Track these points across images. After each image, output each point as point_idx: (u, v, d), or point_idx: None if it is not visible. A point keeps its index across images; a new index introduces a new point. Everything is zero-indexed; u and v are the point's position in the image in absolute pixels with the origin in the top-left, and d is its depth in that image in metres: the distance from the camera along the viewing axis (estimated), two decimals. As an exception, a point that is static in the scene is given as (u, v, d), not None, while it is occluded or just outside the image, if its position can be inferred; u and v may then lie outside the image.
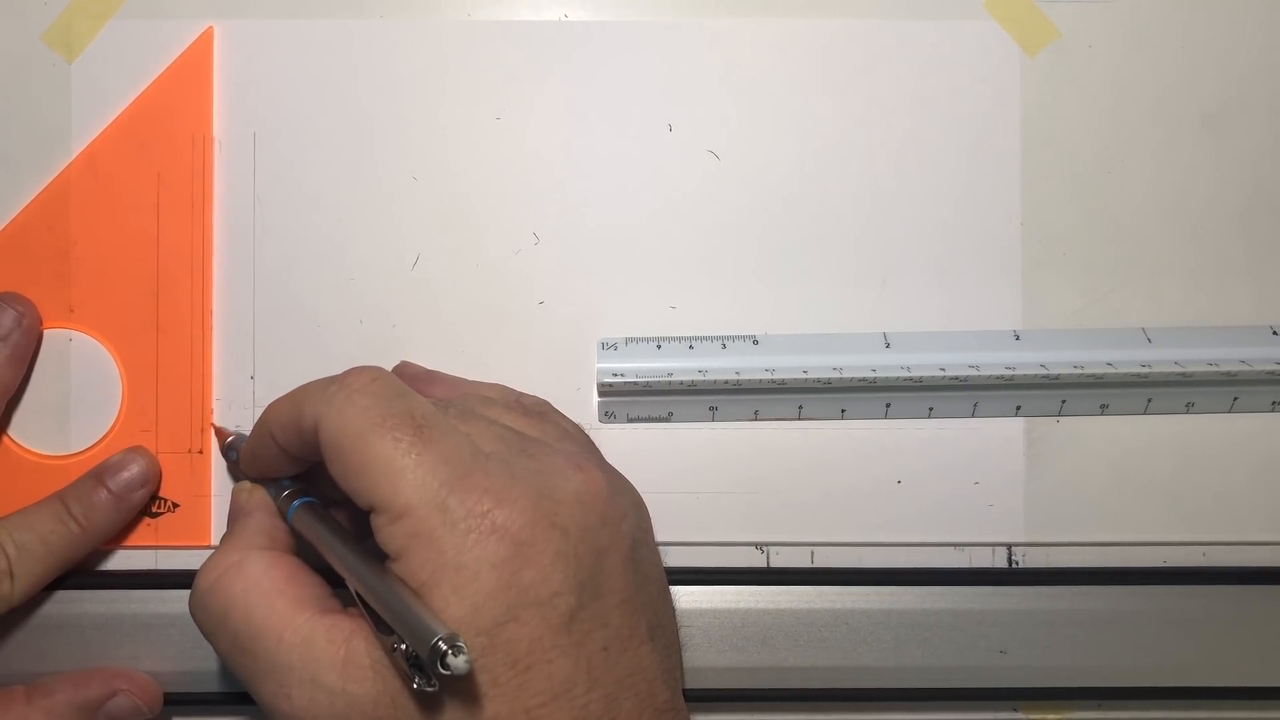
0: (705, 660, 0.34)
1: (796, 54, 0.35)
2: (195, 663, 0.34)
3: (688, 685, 0.34)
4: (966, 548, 0.35)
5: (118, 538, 0.34)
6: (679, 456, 0.35)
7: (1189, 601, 0.35)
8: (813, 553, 0.35)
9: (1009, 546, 0.35)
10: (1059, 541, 0.35)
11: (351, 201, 0.35)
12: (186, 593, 0.34)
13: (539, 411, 0.31)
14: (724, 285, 0.35)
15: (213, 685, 0.34)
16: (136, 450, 0.34)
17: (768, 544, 0.35)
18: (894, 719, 0.36)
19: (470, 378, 0.34)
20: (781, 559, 0.35)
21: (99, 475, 0.33)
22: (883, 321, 0.35)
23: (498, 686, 0.25)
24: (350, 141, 0.35)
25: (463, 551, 0.25)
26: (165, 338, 0.35)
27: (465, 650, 0.24)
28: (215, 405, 0.35)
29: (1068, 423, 0.35)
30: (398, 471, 0.26)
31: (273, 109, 0.35)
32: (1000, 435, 0.35)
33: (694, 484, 0.35)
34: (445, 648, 0.23)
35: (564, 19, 0.35)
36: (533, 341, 0.35)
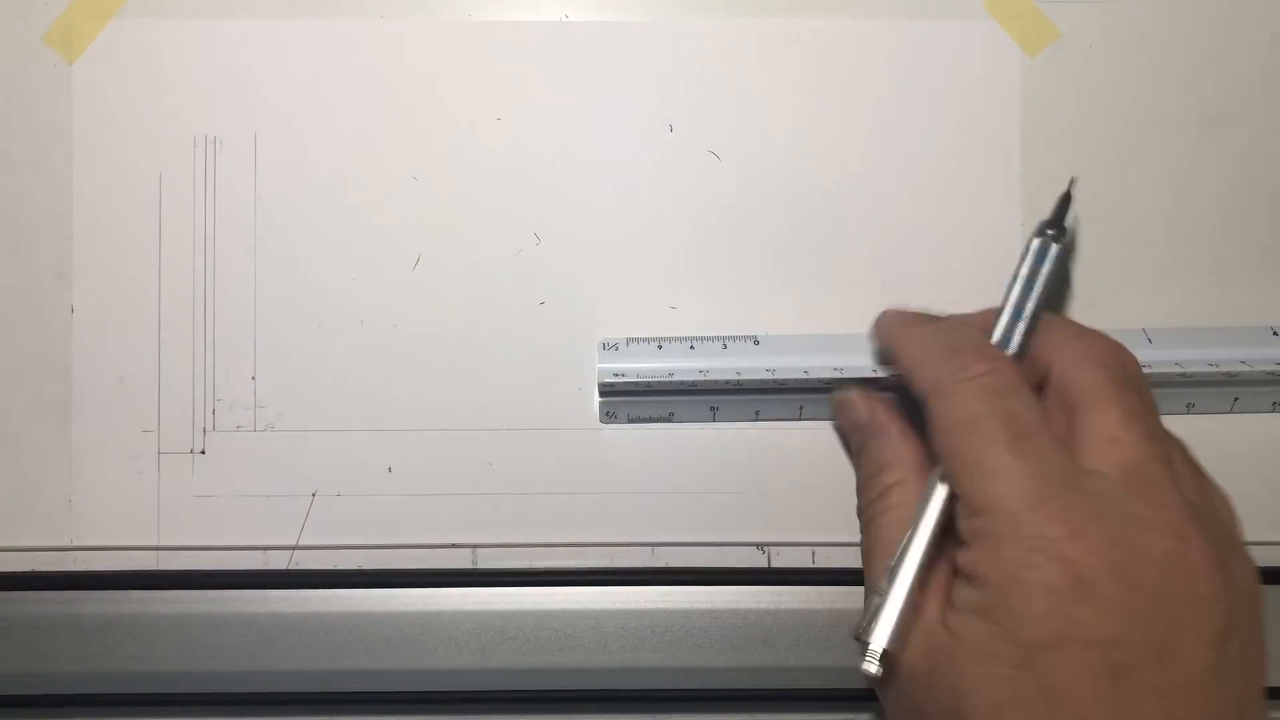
0: (706, 660, 0.34)
1: (797, 54, 0.35)
2: (196, 663, 0.34)
3: (688, 685, 0.34)
4: (967, 548, 0.35)
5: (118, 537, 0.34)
6: (680, 456, 0.35)
7: (1190, 601, 0.35)
8: (814, 553, 0.35)
9: (1010, 546, 0.35)
10: (1060, 541, 0.35)
11: (352, 202, 0.35)
12: (187, 593, 0.34)
13: (1199, 464, 0.30)
14: (724, 285, 0.35)
15: (213, 685, 0.34)
16: None
17: (769, 544, 0.35)
18: (895, 719, 0.36)
19: (481, 379, 0.34)
20: (783, 559, 0.35)
21: None
22: (883, 321, 0.35)
23: (1019, 706, 0.25)
24: (351, 141, 0.35)
25: (1023, 568, 0.25)
26: (167, 338, 0.35)
27: (873, 663, 0.27)
28: (217, 406, 0.35)
29: (1068, 423, 0.35)
30: (984, 473, 0.26)
31: (273, 109, 0.35)
32: (1001, 435, 0.35)
33: (695, 484, 0.35)
34: (863, 641, 0.28)
35: (565, 19, 0.35)
36: (533, 341, 0.35)
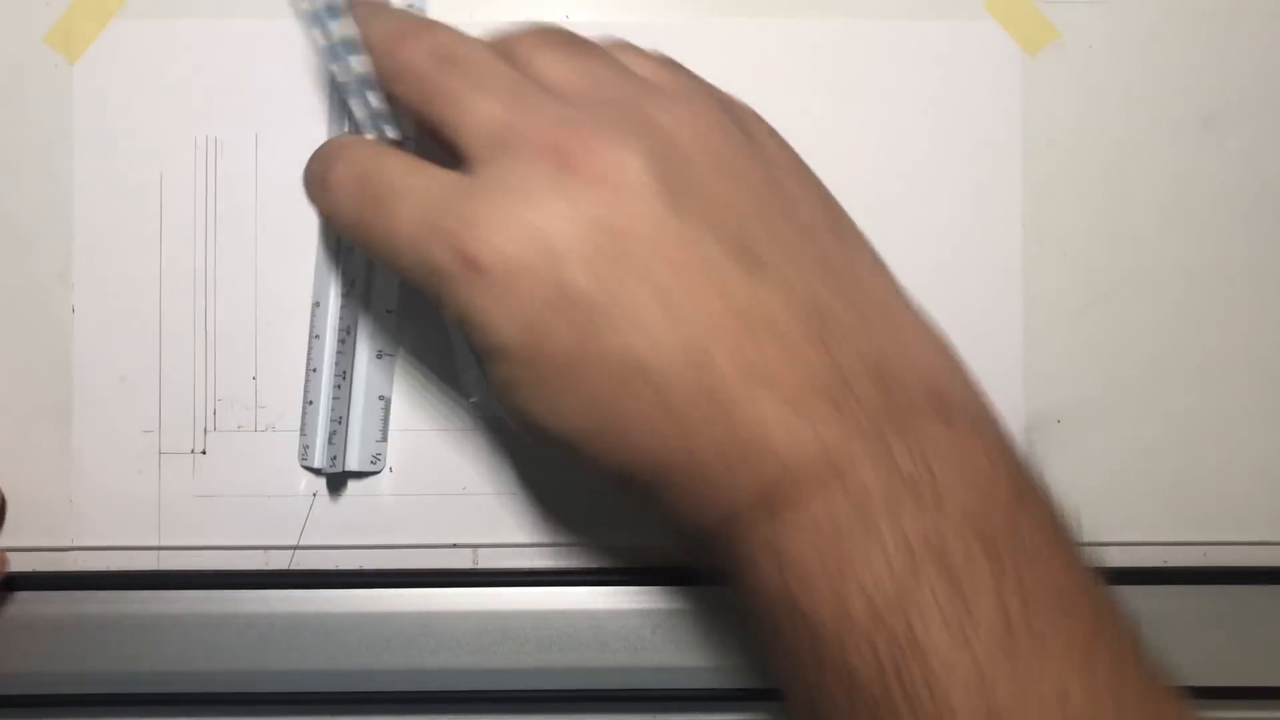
0: (706, 659, 0.34)
1: (797, 54, 0.35)
2: (196, 663, 0.34)
3: (689, 685, 0.34)
4: (967, 547, 0.35)
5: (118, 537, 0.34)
6: (680, 456, 0.35)
7: (1191, 601, 0.35)
8: (814, 553, 0.35)
9: (1010, 546, 0.35)
10: (1060, 541, 0.35)
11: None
12: (187, 593, 0.34)
13: (592, 50, 0.28)
14: (725, 285, 0.35)
15: (213, 685, 0.34)
16: None
17: (769, 544, 0.35)
18: (895, 719, 0.36)
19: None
20: (782, 559, 0.35)
21: None
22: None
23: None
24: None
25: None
26: (168, 338, 0.35)
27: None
28: (218, 406, 0.35)
29: (1069, 423, 0.36)
30: (451, 110, 0.25)
31: (273, 109, 0.35)
32: (1001, 435, 0.35)
33: (695, 484, 0.35)
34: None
35: (566, 19, 0.35)
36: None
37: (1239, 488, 0.36)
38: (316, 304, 0.34)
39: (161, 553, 0.35)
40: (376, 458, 0.34)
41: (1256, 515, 0.36)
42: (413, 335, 0.35)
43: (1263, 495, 0.36)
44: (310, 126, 0.35)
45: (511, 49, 0.27)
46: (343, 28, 0.27)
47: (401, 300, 0.35)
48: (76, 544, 0.35)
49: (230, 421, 0.35)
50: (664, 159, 0.25)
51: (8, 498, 0.35)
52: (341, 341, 0.33)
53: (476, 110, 0.25)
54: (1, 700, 0.34)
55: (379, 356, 0.34)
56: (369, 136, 0.29)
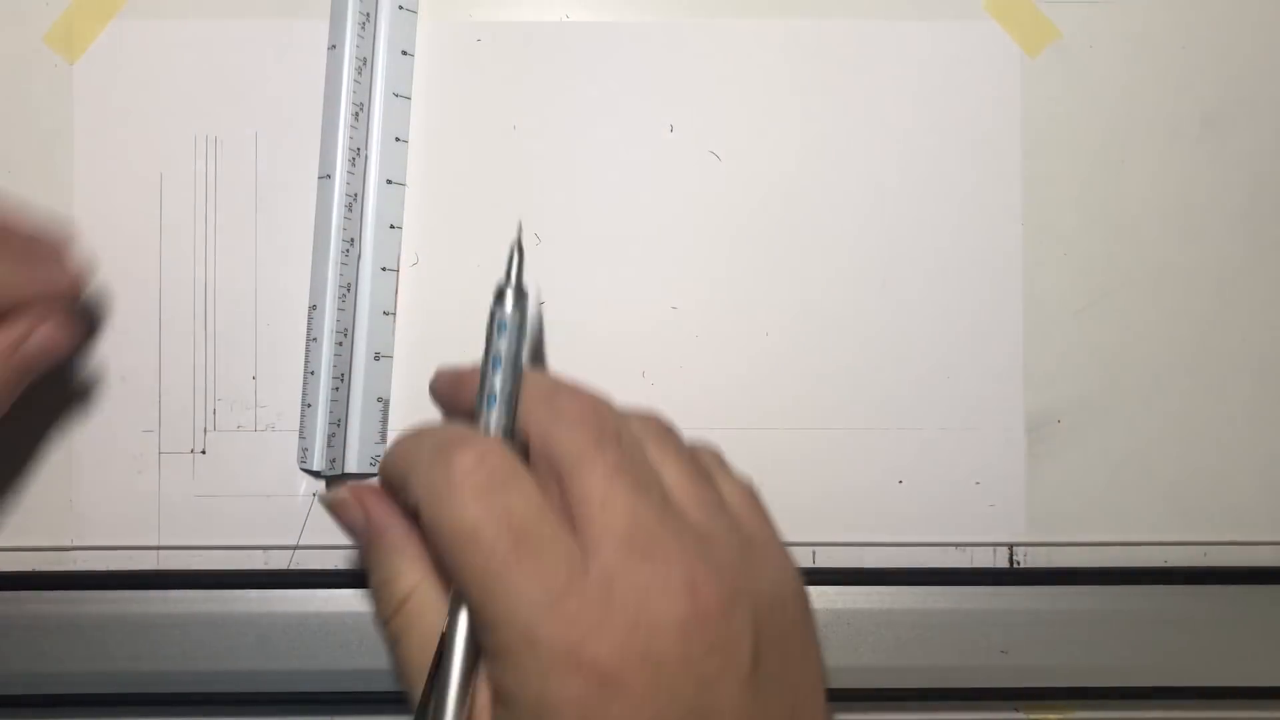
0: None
1: (797, 54, 0.35)
2: (195, 663, 0.34)
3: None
4: (968, 547, 0.35)
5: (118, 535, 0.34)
6: (680, 456, 0.35)
7: (1190, 601, 0.35)
8: (814, 552, 0.35)
9: (1010, 546, 0.36)
10: (1060, 541, 0.35)
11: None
12: (187, 593, 0.34)
13: (705, 471, 0.29)
14: (725, 285, 0.35)
15: (213, 685, 0.34)
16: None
17: (769, 544, 0.35)
18: (895, 719, 0.36)
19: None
20: (783, 559, 0.35)
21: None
22: (882, 321, 0.35)
23: None
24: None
25: (547, 682, 0.24)
26: (167, 337, 0.35)
27: None
28: (217, 406, 0.35)
29: (1069, 422, 0.36)
30: (491, 588, 0.25)
31: (273, 109, 0.35)
32: (1001, 435, 0.35)
33: (695, 484, 0.35)
34: None
35: (566, 19, 0.35)
36: (533, 341, 0.35)
37: (1239, 488, 0.36)
38: (313, 307, 0.34)
39: (161, 552, 0.35)
40: (375, 459, 0.34)
41: (1256, 515, 0.36)
42: (410, 337, 0.35)
43: (1263, 495, 0.36)
44: (309, 126, 0.35)
45: (640, 442, 0.28)
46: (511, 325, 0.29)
47: (399, 302, 0.35)
48: (76, 544, 0.35)
49: (230, 421, 0.35)
50: (762, 631, 0.26)
51: (7, 498, 0.35)
52: (339, 344, 0.33)
53: (618, 501, 0.26)
54: (1, 700, 0.34)
55: (377, 359, 0.34)
56: (491, 422, 0.28)
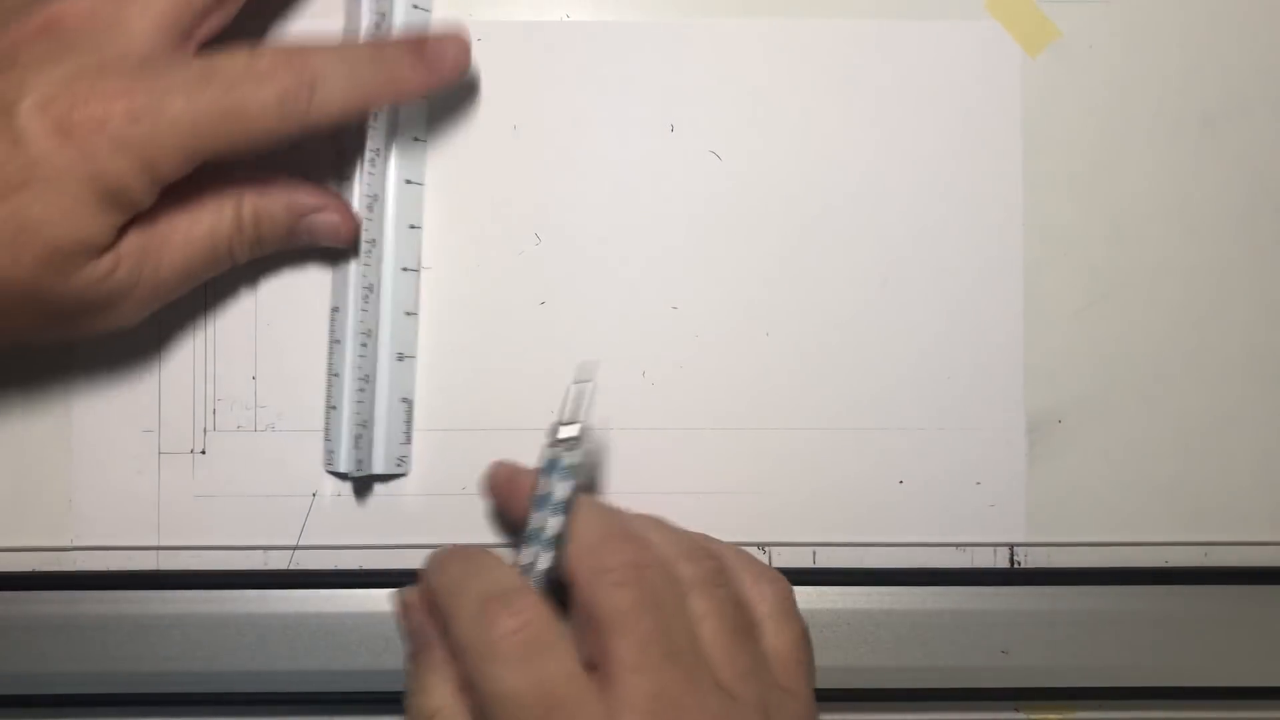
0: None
1: (798, 54, 0.35)
2: (196, 663, 0.34)
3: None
4: (968, 548, 0.35)
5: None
6: (680, 457, 0.35)
7: (1190, 601, 0.35)
8: (814, 553, 0.35)
9: (1011, 546, 0.35)
10: (1061, 541, 0.35)
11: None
12: (187, 593, 0.34)
13: (749, 625, 0.30)
14: (725, 285, 0.35)
15: (213, 685, 0.34)
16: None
17: (769, 544, 0.35)
18: (895, 719, 0.36)
19: (480, 378, 0.34)
20: (783, 559, 0.35)
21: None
22: (883, 321, 0.35)
23: None
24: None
25: None
26: (167, 337, 0.35)
27: None
28: (217, 406, 0.35)
29: (1069, 422, 0.36)
30: None
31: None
32: (1002, 435, 0.35)
33: (695, 484, 0.35)
34: None
35: (566, 19, 0.35)
36: (533, 342, 0.35)
37: (1239, 488, 0.36)
38: (335, 309, 0.34)
39: (161, 552, 0.35)
40: (402, 460, 0.34)
41: (1256, 515, 0.36)
42: (427, 337, 0.35)
43: (1263, 495, 0.36)
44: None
45: (683, 596, 0.29)
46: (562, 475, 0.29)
47: (421, 301, 0.35)
48: (76, 544, 0.35)
49: (230, 421, 0.35)
50: None
51: (7, 498, 0.35)
52: (363, 345, 0.33)
53: (648, 669, 0.27)
54: (1, 700, 0.34)
55: (400, 359, 0.34)
56: (537, 564, 0.29)
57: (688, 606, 0.29)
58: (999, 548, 0.35)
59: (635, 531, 0.30)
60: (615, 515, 0.31)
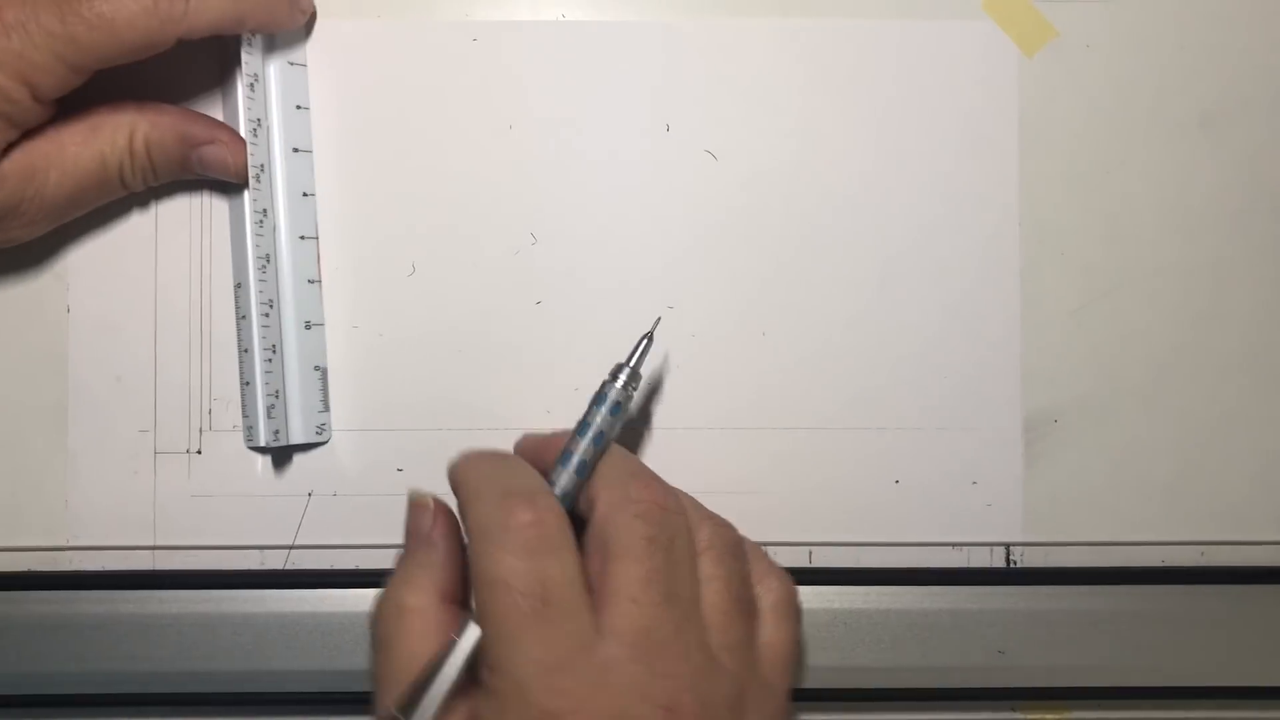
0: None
1: (795, 54, 0.35)
2: (194, 663, 0.34)
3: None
4: (965, 547, 0.35)
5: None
6: (679, 456, 0.35)
7: (1188, 601, 0.35)
8: (811, 552, 0.35)
9: (1007, 546, 0.35)
10: (1057, 541, 0.35)
11: (348, 201, 0.35)
12: (184, 593, 0.34)
13: (751, 606, 0.30)
14: (723, 285, 0.35)
15: (211, 685, 0.34)
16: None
17: (766, 543, 0.35)
18: (893, 719, 0.36)
19: (478, 379, 0.34)
20: (780, 558, 0.35)
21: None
22: (880, 321, 0.35)
23: None
24: (349, 141, 0.35)
25: None
26: (163, 338, 0.35)
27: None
28: (213, 406, 0.35)
29: (1066, 422, 0.35)
30: (505, 636, 0.27)
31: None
32: (998, 435, 0.35)
33: (693, 484, 0.35)
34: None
35: (562, 18, 0.35)
36: (530, 342, 0.35)
37: (1236, 487, 0.36)
38: (238, 285, 0.34)
39: (157, 552, 0.35)
40: (321, 428, 0.34)
41: (1254, 515, 0.36)
42: (426, 337, 0.35)
43: (1259, 495, 0.36)
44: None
45: (696, 554, 0.30)
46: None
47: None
48: (72, 544, 0.35)
49: (226, 421, 0.35)
50: None
51: (3, 498, 0.35)
52: (265, 316, 0.33)
53: (644, 603, 0.28)
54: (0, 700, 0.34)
55: (308, 327, 0.34)
56: (562, 481, 0.30)
57: (699, 564, 0.29)
58: (995, 547, 0.35)
59: (664, 483, 0.30)
60: (647, 468, 0.31)
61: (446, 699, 0.27)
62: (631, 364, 0.31)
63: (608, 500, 0.29)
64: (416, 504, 0.31)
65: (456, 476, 0.30)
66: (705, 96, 0.35)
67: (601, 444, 0.30)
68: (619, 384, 0.31)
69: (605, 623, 0.27)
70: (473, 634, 0.28)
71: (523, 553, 0.27)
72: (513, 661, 0.27)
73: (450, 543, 0.30)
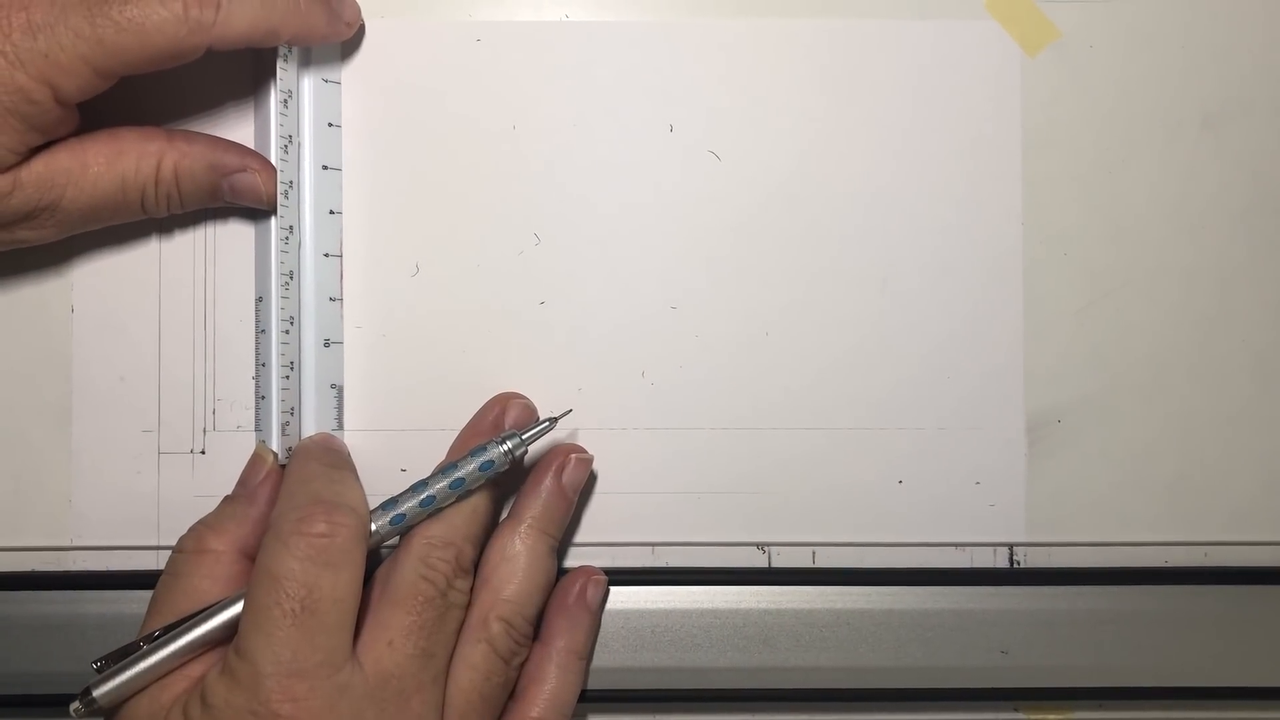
0: (707, 660, 0.34)
1: (797, 54, 0.35)
2: (196, 663, 0.34)
3: (690, 685, 0.34)
4: (968, 547, 0.35)
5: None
6: (680, 457, 0.35)
7: (1190, 601, 0.35)
8: (814, 553, 0.35)
9: (1010, 546, 0.36)
10: (1060, 541, 0.35)
11: (352, 200, 0.35)
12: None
13: (494, 705, 0.32)
14: (725, 285, 0.35)
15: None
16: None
17: (769, 544, 0.35)
18: (895, 719, 0.36)
19: (480, 379, 0.34)
20: (783, 559, 0.35)
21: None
22: (882, 320, 0.35)
23: None
24: (350, 141, 0.35)
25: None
26: (167, 338, 0.35)
27: (81, 705, 0.29)
28: (216, 406, 0.35)
29: (1069, 422, 0.36)
30: (258, 627, 0.28)
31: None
32: (1001, 435, 0.35)
33: (695, 484, 0.35)
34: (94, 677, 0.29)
35: (565, 19, 0.35)
36: (533, 342, 0.35)
37: (1239, 488, 0.36)
38: (259, 299, 0.34)
39: (161, 552, 0.35)
40: None
41: (1256, 515, 0.36)
42: (429, 338, 0.35)
43: (1263, 495, 0.36)
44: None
45: (457, 616, 0.31)
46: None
47: (345, 287, 0.35)
48: (75, 544, 0.35)
49: (229, 421, 0.35)
50: None
51: (7, 498, 0.35)
52: (285, 333, 0.33)
53: (400, 652, 0.30)
54: (1, 700, 0.34)
55: (327, 345, 0.34)
56: (398, 507, 0.31)
57: (471, 648, 0.31)
58: (998, 548, 0.35)
59: (497, 557, 0.32)
60: (502, 537, 0.32)
61: (185, 650, 0.29)
62: (524, 437, 0.32)
63: (416, 548, 0.30)
64: (257, 457, 0.33)
65: (292, 457, 0.32)
66: (709, 97, 0.35)
67: (459, 489, 0.31)
68: (503, 448, 0.31)
69: (358, 652, 0.29)
70: (233, 610, 0.29)
71: (303, 558, 0.28)
72: (259, 654, 0.28)
73: (269, 506, 0.32)
